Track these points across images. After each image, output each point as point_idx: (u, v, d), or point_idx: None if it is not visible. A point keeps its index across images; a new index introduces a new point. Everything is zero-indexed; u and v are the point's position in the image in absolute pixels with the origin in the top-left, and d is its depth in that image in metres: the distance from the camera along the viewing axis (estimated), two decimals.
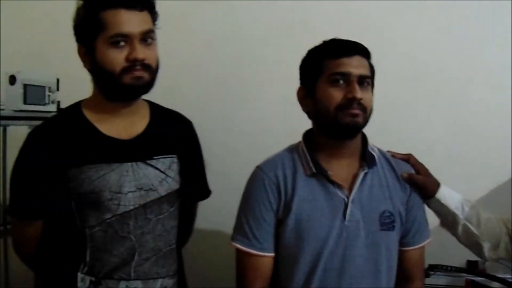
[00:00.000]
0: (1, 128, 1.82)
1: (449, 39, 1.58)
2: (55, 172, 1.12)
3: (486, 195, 1.57)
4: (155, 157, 1.17)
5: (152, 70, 1.12)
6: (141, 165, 1.15)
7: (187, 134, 1.30)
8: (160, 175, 1.17)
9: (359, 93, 1.07)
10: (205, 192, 1.37)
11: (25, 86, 1.59)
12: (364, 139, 1.20)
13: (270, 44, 1.80)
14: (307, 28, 1.73)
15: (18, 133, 1.93)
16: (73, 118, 1.17)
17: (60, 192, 1.12)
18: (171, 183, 1.19)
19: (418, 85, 1.60)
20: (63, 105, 1.73)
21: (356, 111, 1.08)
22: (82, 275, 1.13)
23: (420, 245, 1.21)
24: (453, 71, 1.57)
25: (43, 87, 1.65)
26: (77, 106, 1.20)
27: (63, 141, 1.13)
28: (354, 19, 1.66)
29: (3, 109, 1.59)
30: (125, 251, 1.13)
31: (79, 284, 1.12)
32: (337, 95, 1.08)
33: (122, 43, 1.07)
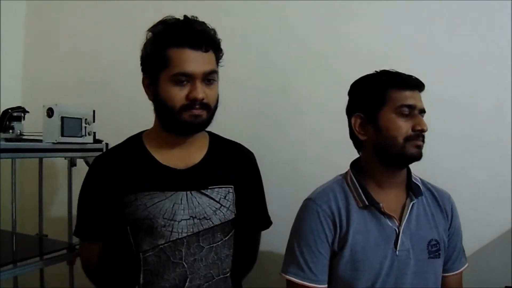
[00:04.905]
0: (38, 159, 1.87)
1: (484, 66, 1.58)
2: (112, 197, 1.18)
3: None
4: (210, 187, 1.20)
5: (211, 109, 1.15)
6: (196, 194, 1.18)
7: (246, 165, 1.32)
8: (214, 204, 1.20)
9: (426, 126, 1.12)
10: (266, 222, 1.38)
11: (63, 118, 1.60)
12: (408, 169, 1.23)
13: (303, 69, 1.81)
14: (340, 54, 1.75)
15: (54, 164, 1.99)
16: (134, 147, 1.23)
17: (117, 217, 1.18)
18: (226, 213, 1.21)
19: (450, 111, 1.60)
20: (99, 136, 1.77)
21: (421, 143, 1.13)
22: None
23: (460, 270, 1.25)
24: (487, 96, 1.57)
25: (80, 119, 1.67)
26: (139, 136, 1.26)
27: (121, 168, 1.19)
28: (386, 44, 1.67)
29: (41, 141, 1.61)
30: (177, 277, 1.16)
31: None
32: (406, 126, 1.12)
33: (184, 82, 1.11)
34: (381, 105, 1.15)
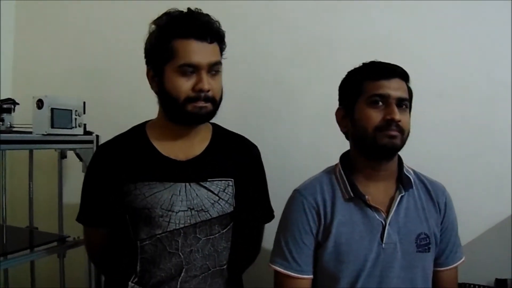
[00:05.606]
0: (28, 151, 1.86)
1: (476, 58, 1.58)
2: (113, 186, 1.19)
3: None
4: (209, 180, 1.20)
5: (215, 101, 1.16)
6: (195, 186, 1.19)
7: (249, 159, 1.32)
8: (213, 197, 1.20)
9: (397, 115, 1.09)
10: (269, 215, 1.37)
11: (52, 110, 1.59)
12: (400, 161, 1.21)
13: (294, 62, 1.81)
14: (331, 47, 1.75)
15: (44, 156, 1.98)
16: (136, 137, 1.24)
17: (117, 205, 1.19)
18: (224, 206, 1.22)
19: (443, 104, 1.60)
20: (89, 127, 1.76)
21: (394, 133, 1.09)
22: (132, 285, 1.19)
23: (454, 265, 1.22)
24: (479, 87, 1.58)
25: (70, 110, 1.66)
26: (142, 126, 1.26)
27: (122, 158, 1.21)
28: (379, 37, 1.67)
29: (31, 133, 1.60)
30: (173, 267, 1.18)
31: None
32: (376, 116, 1.10)
33: (189, 73, 1.11)
34: (357, 98, 1.15)
